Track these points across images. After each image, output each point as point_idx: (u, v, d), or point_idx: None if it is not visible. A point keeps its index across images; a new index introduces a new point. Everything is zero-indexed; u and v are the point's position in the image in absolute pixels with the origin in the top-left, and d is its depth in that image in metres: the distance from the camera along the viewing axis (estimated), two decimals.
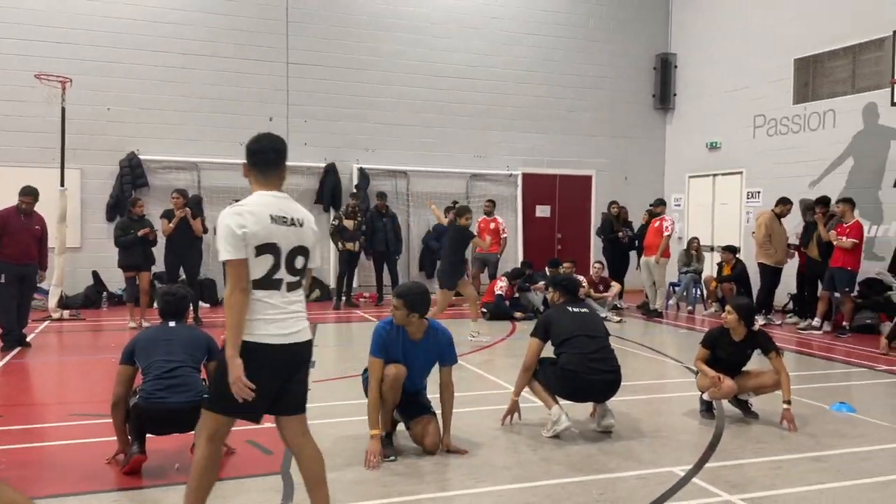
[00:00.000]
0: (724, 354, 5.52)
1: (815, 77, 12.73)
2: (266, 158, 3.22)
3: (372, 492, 4.01)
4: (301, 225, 3.19)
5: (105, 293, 12.26)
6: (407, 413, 4.75)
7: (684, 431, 5.31)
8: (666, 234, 11.75)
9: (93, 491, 4.01)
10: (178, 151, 12.80)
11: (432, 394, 4.85)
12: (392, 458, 4.48)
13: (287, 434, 3.27)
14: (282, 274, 3.12)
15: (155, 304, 5.71)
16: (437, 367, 4.75)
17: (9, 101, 11.81)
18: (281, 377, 3.14)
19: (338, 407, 5.71)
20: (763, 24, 13.62)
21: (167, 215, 10.06)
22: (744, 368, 5.64)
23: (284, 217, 3.14)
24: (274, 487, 4.05)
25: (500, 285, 11.42)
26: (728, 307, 5.50)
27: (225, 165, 12.72)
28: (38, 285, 8.82)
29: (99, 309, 11.93)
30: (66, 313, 10.82)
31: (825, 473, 4.41)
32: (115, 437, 4.39)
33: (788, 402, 5.33)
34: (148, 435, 4.30)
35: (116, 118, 12.50)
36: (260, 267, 3.07)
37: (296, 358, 3.18)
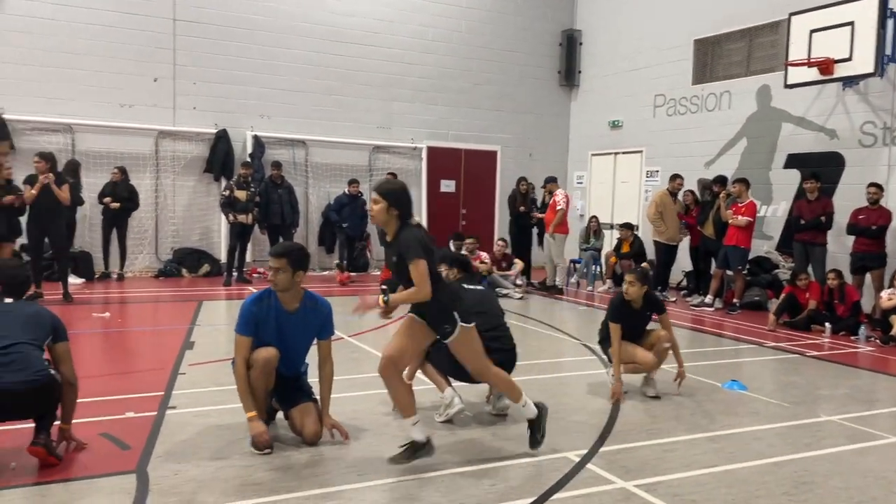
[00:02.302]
0: (628, 325, 5.52)
1: (712, 58, 12.95)
2: None
3: (242, 491, 3.58)
4: None
5: None
6: (285, 400, 4.32)
7: (581, 412, 5.15)
8: (558, 208, 11.68)
9: None
10: (48, 111, 11.59)
11: (315, 377, 4.44)
12: (267, 450, 4.05)
13: None
14: None
15: None
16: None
17: None
18: None
19: (212, 394, 5.20)
20: (665, 4, 13.73)
21: (30, 181, 9.06)
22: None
23: None
24: (126, 489, 3.56)
25: None
26: (629, 278, 5.48)
27: (104, 129, 11.68)
28: None
29: None
30: None
31: (718, 455, 4.32)
32: None
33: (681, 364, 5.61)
34: None
35: None
36: None
37: None
